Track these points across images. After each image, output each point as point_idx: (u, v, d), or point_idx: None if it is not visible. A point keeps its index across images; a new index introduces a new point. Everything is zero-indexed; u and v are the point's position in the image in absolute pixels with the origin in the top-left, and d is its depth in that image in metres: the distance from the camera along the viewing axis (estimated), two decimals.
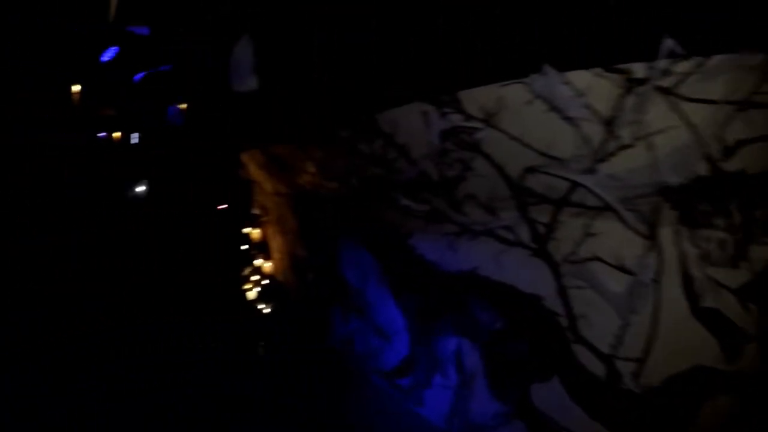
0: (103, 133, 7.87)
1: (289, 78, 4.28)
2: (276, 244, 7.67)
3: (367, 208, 5.49)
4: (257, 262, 7.84)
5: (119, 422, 5.02)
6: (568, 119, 3.53)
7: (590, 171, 3.58)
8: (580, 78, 3.42)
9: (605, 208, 3.63)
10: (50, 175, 7.30)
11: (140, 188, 8.23)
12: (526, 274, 4.32)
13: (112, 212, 7.82)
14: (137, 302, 7.50)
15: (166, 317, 7.31)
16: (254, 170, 7.55)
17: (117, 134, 7.95)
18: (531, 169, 3.83)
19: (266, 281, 7.87)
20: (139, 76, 5.77)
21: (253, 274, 7.91)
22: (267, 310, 7.94)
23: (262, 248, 7.86)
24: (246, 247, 7.98)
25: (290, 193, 7.08)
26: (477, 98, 3.80)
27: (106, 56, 5.76)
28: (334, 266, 6.60)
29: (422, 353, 5.73)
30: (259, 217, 7.77)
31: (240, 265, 7.92)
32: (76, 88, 6.84)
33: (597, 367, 3.81)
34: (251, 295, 7.91)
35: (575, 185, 3.68)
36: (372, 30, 3.75)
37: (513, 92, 3.63)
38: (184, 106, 5.89)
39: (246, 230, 7.91)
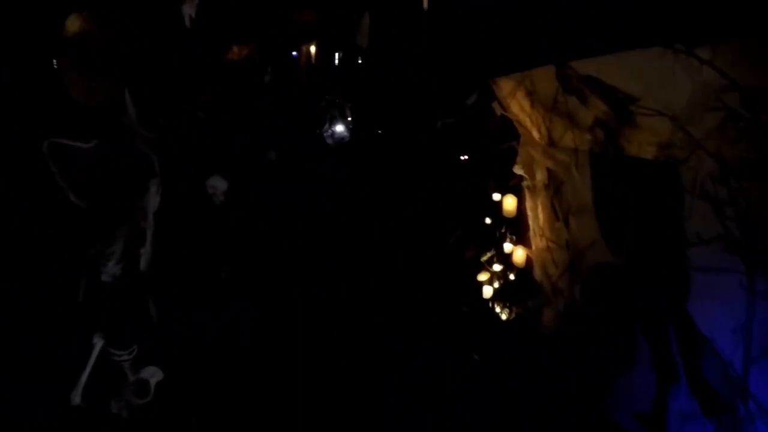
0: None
1: None
2: (540, 224, 4.91)
3: None
4: (506, 246, 5.17)
5: None
6: None
7: None
8: None
9: None
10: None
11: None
12: None
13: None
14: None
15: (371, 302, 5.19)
16: (519, 106, 4.78)
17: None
18: None
19: (513, 276, 5.22)
20: None
21: (496, 263, 5.29)
22: (505, 316, 5.34)
23: (515, 226, 5.17)
24: (491, 221, 5.34)
25: (588, 148, 4.21)
26: None
27: None
28: (667, 289, 3.70)
29: None
30: (519, 179, 5.04)
31: (479, 246, 5.36)
32: None
33: None
34: (487, 291, 5.34)
35: None
36: None
37: None
38: None
39: (496, 196, 5.23)
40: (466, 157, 5.37)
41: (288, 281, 5.19)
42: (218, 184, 4.69)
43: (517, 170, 4.85)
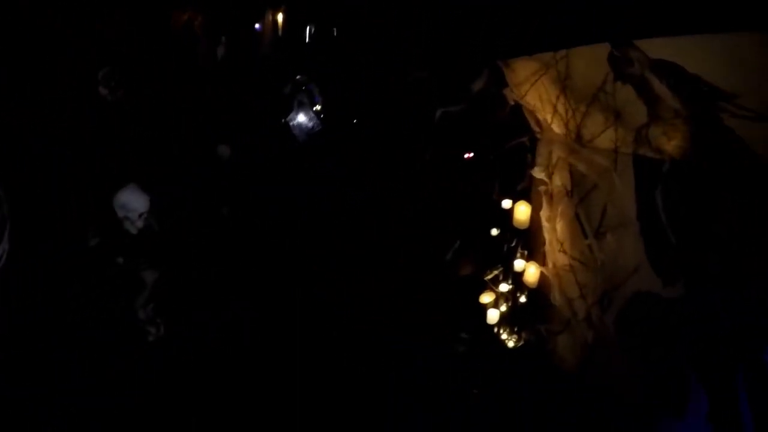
0: None
1: None
2: (559, 238, 4.09)
3: None
4: (517, 263, 4.35)
5: None
6: None
7: None
8: None
9: None
10: None
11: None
12: None
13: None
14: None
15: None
16: (540, 94, 3.93)
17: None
18: None
19: (524, 297, 4.42)
20: None
21: (503, 281, 4.47)
22: (512, 343, 4.57)
23: (526, 239, 4.35)
24: (497, 231, 4.50)
25: (632, 150, 3.40)
26: None
27: None
28: (738, 332, 2.98)
29: None
30: (529, 182, 4.21)
31: (483, 262, 4.53)
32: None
33: None
34: (492, 315, 4.53)
35: None
36: None
37: None
38: None
39: (506, 203, 4.38)
40: (471, 155, 4.49)
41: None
42: (134, 204, 3.46)
43: (537, 173, 4.01)
